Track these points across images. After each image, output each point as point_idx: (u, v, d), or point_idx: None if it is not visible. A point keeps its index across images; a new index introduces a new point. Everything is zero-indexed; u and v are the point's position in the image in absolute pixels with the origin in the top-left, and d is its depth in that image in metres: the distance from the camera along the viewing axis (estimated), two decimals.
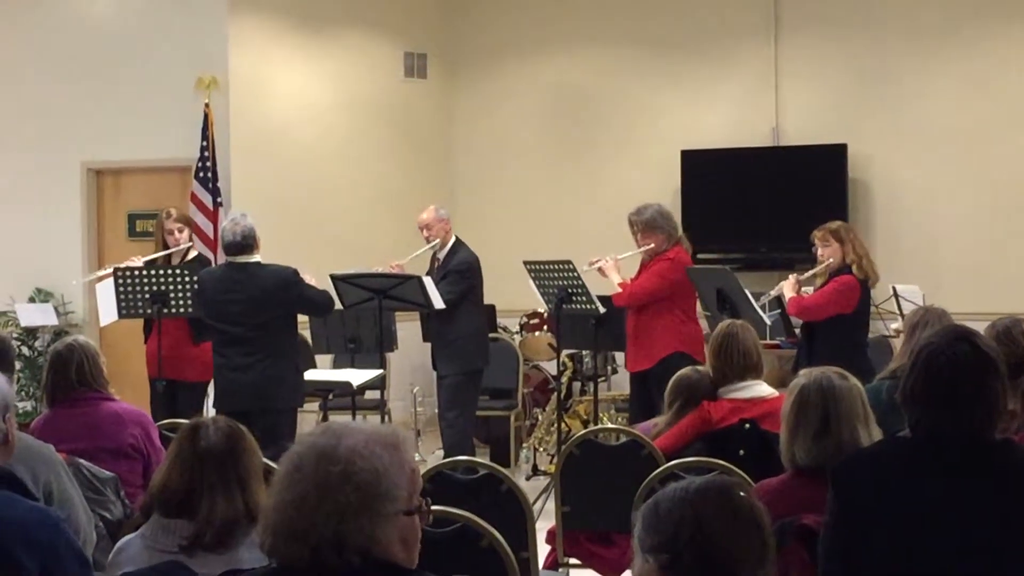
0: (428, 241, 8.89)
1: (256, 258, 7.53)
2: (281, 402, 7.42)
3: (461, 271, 8.73)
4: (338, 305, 8.48)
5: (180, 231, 8.74)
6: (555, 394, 9.76)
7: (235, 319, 7.46)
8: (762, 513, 2.44)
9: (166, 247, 8.75)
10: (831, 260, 7.80)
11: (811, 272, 7.99)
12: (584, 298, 8.23)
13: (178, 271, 8.14)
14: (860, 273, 7.72)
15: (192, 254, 8.85)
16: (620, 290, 8.26)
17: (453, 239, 8.90)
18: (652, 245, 8.27)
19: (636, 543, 2.40)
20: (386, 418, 9.10)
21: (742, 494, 2.47)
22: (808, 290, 7.98)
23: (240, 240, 7.49)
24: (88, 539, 4.43)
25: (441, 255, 8.89)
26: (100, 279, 8.99)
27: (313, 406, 9.20)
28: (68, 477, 4.50)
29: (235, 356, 7.46)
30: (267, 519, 2.53)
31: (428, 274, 8.76)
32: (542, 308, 9.68)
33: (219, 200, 10.59)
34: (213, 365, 7.64)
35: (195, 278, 7.93)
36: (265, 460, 3.64)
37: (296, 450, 2.56)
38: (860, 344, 7.76)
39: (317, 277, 8.08)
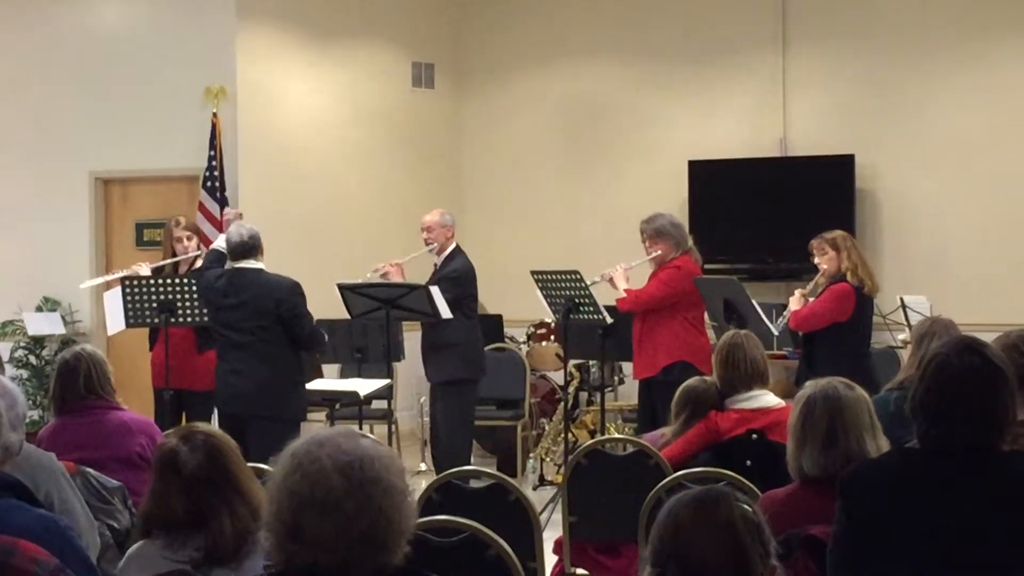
0: (427, 243, 8.87)
1: (259, 265, 7.52)
2: (278, 410, 7.26)
3: (453, 278, 8.65)
4: (346, 315, 8.49)
5: (189, 239, 8.74)
6: (562, 404, 9.76)
7: (235, 324, 7.45)
8: (749, 523, 2.44)
9: (174, 255, 8.76)
10: (826, 268, 7.82)
11: (812, 283, 8.00)
12: (591, 308, 8.23)
13: (185, 280, 8.12)
14: (854, 280, 7.72)
15: (199, 263, 8.85)
16: (625, 295, 8.25)
17: (453, 246, 8.86)
18: (659, 252, 8.27)
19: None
20: (393, 428, 9.08)
21: (735, 503, 2.47)
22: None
23: (247, 240, 7.48)
24: (92, 545, 4.42)
25: (438, 261, 8.87)
26: (107, 285, 8.98)
27: (320, 416, 9.20)
28: (69, 485, 4.49)
29: (235, 361, 7.45)
30: (270, 522, 2.45)
31: (428, 281, 8.74)
32: (549, 318, 9.67)
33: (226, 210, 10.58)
34: (215, 369, 7.62)
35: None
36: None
37: (299, 452, 2.45)
38: (860, 353, 7.75)
39: (324, 287, 8.09)
